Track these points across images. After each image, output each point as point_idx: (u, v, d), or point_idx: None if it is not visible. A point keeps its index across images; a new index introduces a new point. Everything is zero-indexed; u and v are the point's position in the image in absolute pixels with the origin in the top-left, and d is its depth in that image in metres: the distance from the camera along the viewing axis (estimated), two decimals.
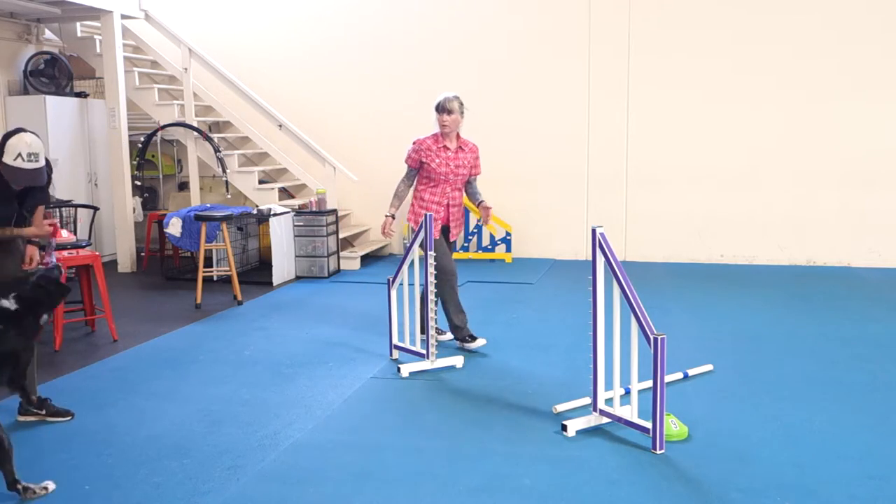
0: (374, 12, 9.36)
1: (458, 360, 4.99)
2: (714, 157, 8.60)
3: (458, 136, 5.29)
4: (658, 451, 3.60)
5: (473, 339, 5.28)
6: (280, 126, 8.94)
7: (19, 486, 3.20)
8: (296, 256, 8.23)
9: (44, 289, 3.68)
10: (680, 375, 4.59)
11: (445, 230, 5.32)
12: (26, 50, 8.85)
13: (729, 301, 6.76)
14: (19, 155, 3.81)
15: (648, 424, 3.64)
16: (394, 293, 5.13)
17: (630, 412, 3.76)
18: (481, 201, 5.31)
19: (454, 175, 5.23)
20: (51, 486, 3.28)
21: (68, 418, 4.13)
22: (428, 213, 4.77)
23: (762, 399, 4.32)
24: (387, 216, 5.30)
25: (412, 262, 4.94)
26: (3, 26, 8.60)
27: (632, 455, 3.59)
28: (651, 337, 3.52)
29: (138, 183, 9.16)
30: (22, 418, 4.11)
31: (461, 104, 5.20)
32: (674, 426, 3.76)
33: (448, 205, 5.29)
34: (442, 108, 5.16)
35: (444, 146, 5.23)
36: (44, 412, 4.12)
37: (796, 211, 8.45)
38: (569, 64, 8.80)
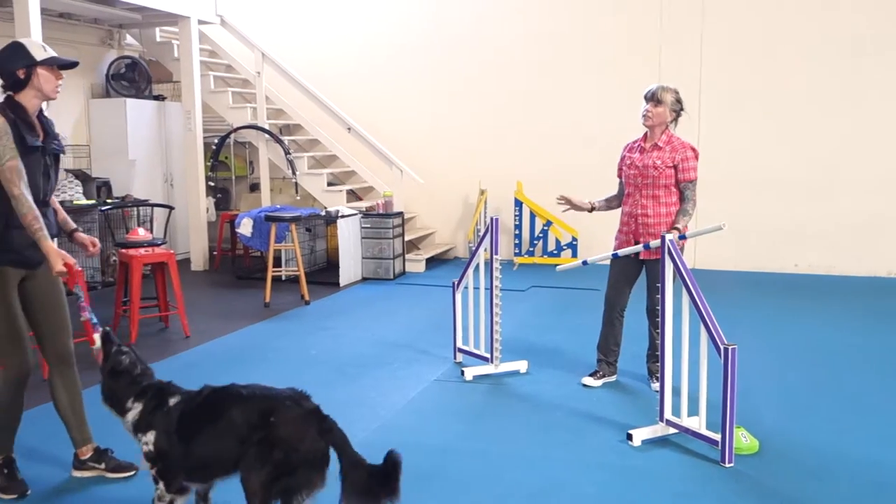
0: (446, 17, 9.40)
1: (522, 365, 4.96)
2: (789, 161, 8.34)
3: (667, 133, 4.41)
4: (727, 465, 3.50)
5: (597, 375, 4.69)
6: (349, 129, 9.05)
7: None
8: (362, 258, 8.32)
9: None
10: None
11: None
12: (109, 54, 9.18)
13: (803, 312, 6.54)
14: (43, 47, 3.29)
15: (717, 436, 3.55)
16: (458, 296, 5.14)
17: (698, 423, 3.67)
18: (674, 227, 4.29)
19: (642, 178, 4.39)
20: None
21: (132, 473, 3.46)
22: (495, 218, 4.75)
23: (837, 413, 4.17)
24: (589, 201, 4.67)
25: (477, 266, 4.94)
26: (88, 32, 8.94)
27: (699, 467, 3.51)
28: (721, 347, 3.44)
29: (212, 184, 9.41)
30: (78, 474, 3.49)
31: (677, 100, 4.37)
32: (744, 439, 3.66)
33: (638, 215, 4.47)
34: (650, 96, 4.35)
35: (640, 146, 4.48)
36: (102, 466, 3.48)
37: (876, 220, 8.12)
38: (638, 67, 8.65)
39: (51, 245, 3.19)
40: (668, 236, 3.77)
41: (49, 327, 3.41)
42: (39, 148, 3.28)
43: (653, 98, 4.35)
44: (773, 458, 3.60)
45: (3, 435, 3.37)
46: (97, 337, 3.11)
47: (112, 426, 3.10)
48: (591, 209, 4.71)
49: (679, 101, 4.39)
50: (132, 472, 3.46)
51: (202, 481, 2.88)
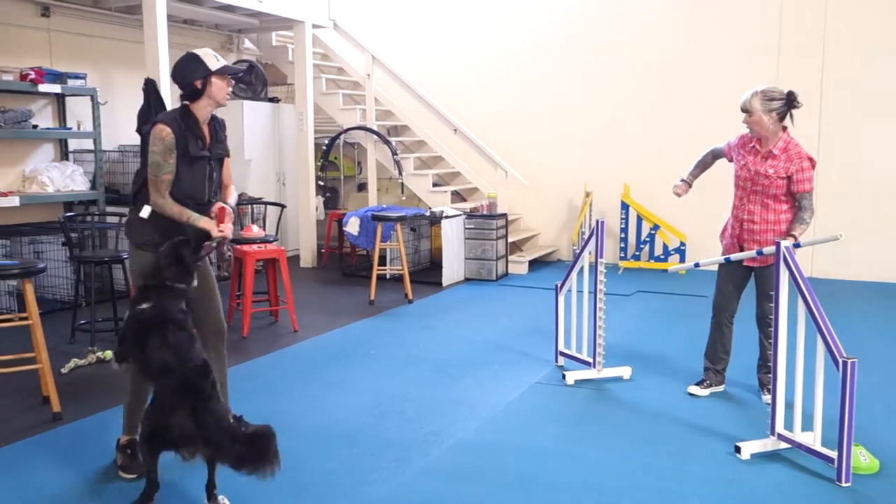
0: (551, 21, 9.34)
1: (625, 371, 4.87)
2: None
3: (784, 139, 4.22)
4: (843, 484, 3.33)
5: (704, 384, 4.57)
6: (455, 130, 9.12)
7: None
8: (465, 258, 8.37)
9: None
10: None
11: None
12: (228, 58, 9.58)
13: None
14: (216, 57, 3.52)
15: (833, 454, 3.38)
16: (561, 299, 5.09)
17: (812, 439, 3.50)
18: (790, 234, 4.13)
19: (752, 184, 4.25)
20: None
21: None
22: (601, 221, 4.68)
23: None
24: (682, 181, 4.64)
25: (581, 269, 4.88)
26: (209, 37, 9.37)
27: (812, 485, 3.35)
28: (840, 360, 3.27)
29: (321, 183, 9.67)
30: None
31: (769, 99, 4.12)
32: (863, 458, 3.46)
33: (744, 220, 4.34)
34: (742, 109, 4.24)
35: (755, 148, 4.31)
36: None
37: None
38: (754, 69, 8.32)
39: (203, 220, 3.45)
40: (784, 243, 3.62)
41: (209, 304, 3.65)
42: (205, 157, 3.53)
43: (744, 111, 4.21)
44: (895, 479, 3.40)
45: (132, 417, 3.58)
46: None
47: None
48: (690, 186, 4.69)
49: (771, 98, 4.11)
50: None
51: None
